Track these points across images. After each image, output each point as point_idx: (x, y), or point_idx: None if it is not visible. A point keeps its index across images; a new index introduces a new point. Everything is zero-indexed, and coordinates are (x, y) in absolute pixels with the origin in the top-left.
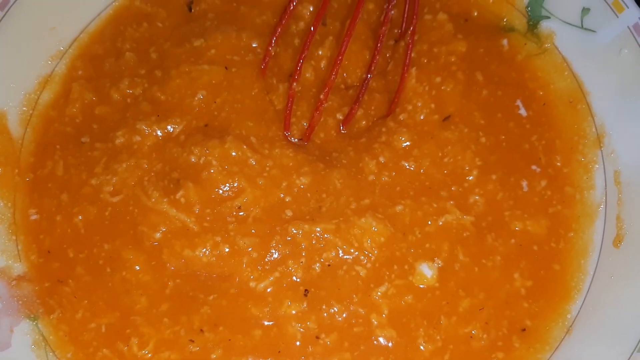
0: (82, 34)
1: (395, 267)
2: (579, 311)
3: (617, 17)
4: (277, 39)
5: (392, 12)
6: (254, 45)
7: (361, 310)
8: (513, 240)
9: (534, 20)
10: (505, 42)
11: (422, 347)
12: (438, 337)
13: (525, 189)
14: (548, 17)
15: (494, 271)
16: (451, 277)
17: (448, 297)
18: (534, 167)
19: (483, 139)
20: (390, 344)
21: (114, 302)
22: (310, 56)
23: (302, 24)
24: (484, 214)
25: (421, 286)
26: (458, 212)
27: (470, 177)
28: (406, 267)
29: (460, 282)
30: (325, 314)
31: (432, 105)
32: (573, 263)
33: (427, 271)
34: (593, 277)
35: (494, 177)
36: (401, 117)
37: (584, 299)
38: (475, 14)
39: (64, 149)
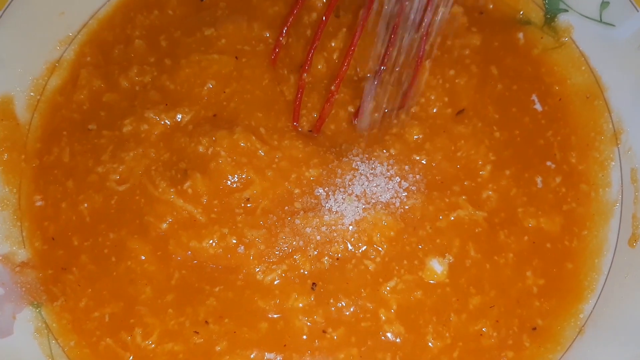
0: (91, 20)
1: (405, 262)
2: (591, 311)
3: (638, 11)
4: (288, 30)
5: (407, 3)
6: (265, 35)
7: (369, 305)
8: (526, 238)
9: (551, 14)
10: (521, 35)
11: (430, 344)
12: (447, 334)
13: (540, 185)
14: (566, 11)
15: (506, 268)
16: (462, 273)
17: (458, 293)
18: (548, 163)
19: (497, 134)
20: (398, 340)
21: (118, 291)
22: (323, 48)
23: (314, 15)
24: (496, 210)
25: (431, 282)
26: (470, 207)
27: (483, 172)
28: (416, 262)
29: (471, 278)
30: (332, 308)
31: (445, 99)
32: (587, 262)
33: (437, 267)
34: (607, 276)
35: (507, 172)
36: (413, 109)
37: (597, 298)
38: (491, 6)
39: (70, 136)
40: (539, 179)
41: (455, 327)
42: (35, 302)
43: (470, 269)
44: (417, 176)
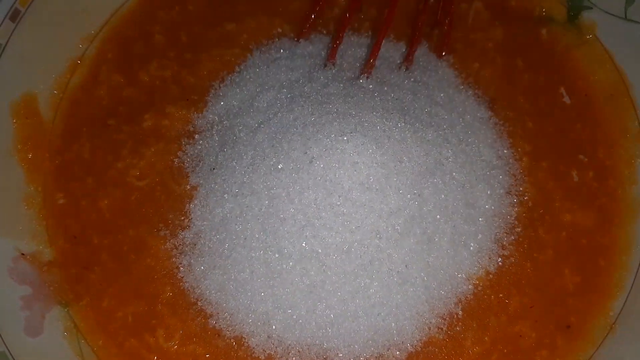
0: (113, 17)
1: None
2: (621, 309)
3: None
4: (310, 25)
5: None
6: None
7: None
8: (564, 233)
9: (574, 11)
10: (544, 31)
11: (469, 349)
12: (486, 339)
13: (576, 178)
14: (590, 8)
15: (546, 266)
16: (502, 273)
17: (499, 295)
18: (581, 156)
19: (529, 124)
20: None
21: (139, 290)
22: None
23: (336, 10)
24: (535, 204)
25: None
26: (508, 200)
27: (521, 163)
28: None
29: (511, 278)
30: None
31: (470, 92)
32: (616, 259)
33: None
34: (636, 274)
35: (544, 164)
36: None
37: (627, 296)
38: (513, 3)
39: (90, 132)
40: (574, 172)
41: (495, 330)
42: (64, 301)
43: (511, 269)
44: None
